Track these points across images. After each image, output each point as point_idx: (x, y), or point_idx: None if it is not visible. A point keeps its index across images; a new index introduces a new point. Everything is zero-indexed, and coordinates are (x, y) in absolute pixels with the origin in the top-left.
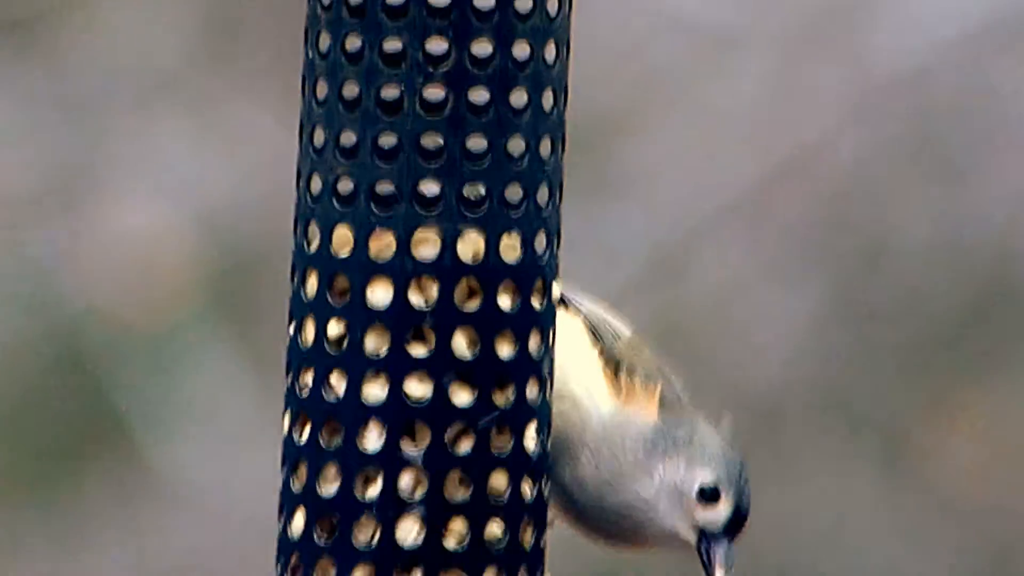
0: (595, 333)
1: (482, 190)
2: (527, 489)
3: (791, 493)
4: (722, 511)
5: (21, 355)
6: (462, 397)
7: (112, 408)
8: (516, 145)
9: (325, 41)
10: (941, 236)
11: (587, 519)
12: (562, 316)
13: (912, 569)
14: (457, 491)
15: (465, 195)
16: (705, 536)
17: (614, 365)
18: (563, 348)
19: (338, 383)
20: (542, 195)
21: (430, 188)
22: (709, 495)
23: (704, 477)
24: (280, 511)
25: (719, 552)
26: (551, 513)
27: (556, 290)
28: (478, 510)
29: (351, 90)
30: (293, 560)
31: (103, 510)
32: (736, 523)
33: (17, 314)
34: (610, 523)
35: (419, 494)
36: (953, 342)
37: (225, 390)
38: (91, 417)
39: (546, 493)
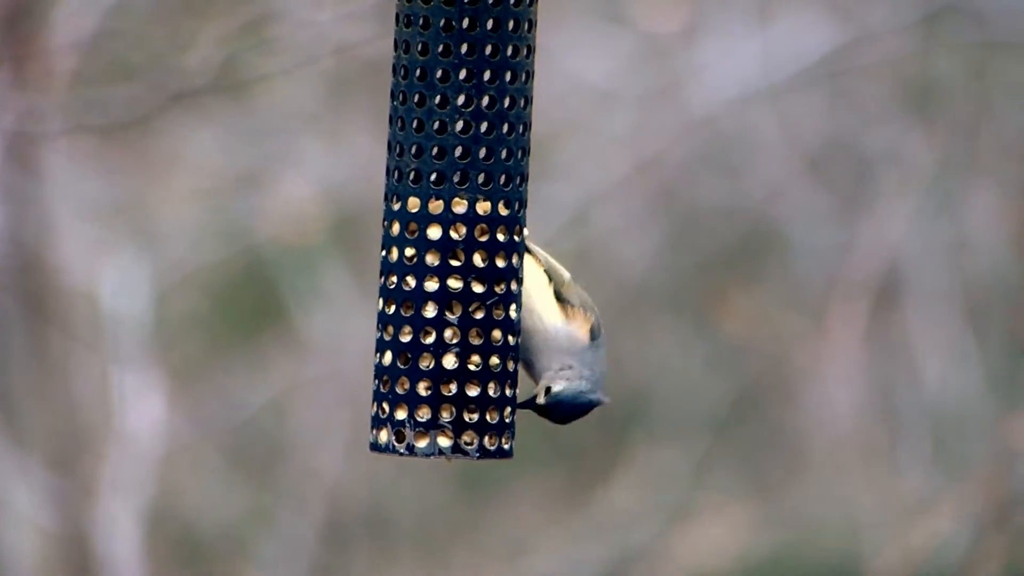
0: (548, 274)
1: (488, 176)
2: (511, 339)
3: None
4: (540, 400)
5: (228, 265)
6: (478, 288)
7: (275, 298)
8: (506, 152)
9: (401, 96)
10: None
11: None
12: (527, 261)
13: None
14: (475, 339)
15: (479, 180)
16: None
17: (561, 297)
18: (529, 283)
19: (411, 281)
20: (519, 181)
21: (461, 175)
22: (547, 392)
23: (556, 387)
24: (376, 351)
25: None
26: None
27: (526, 232)
28: (486, 349)
29: (417, 122)
30: (384, 378)
31: (269, 357)
32: (545, 411)
33: (224, 244)
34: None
35: (455, 340)
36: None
37: (343, 289)
38: (264, 300)
39: (519, 341)
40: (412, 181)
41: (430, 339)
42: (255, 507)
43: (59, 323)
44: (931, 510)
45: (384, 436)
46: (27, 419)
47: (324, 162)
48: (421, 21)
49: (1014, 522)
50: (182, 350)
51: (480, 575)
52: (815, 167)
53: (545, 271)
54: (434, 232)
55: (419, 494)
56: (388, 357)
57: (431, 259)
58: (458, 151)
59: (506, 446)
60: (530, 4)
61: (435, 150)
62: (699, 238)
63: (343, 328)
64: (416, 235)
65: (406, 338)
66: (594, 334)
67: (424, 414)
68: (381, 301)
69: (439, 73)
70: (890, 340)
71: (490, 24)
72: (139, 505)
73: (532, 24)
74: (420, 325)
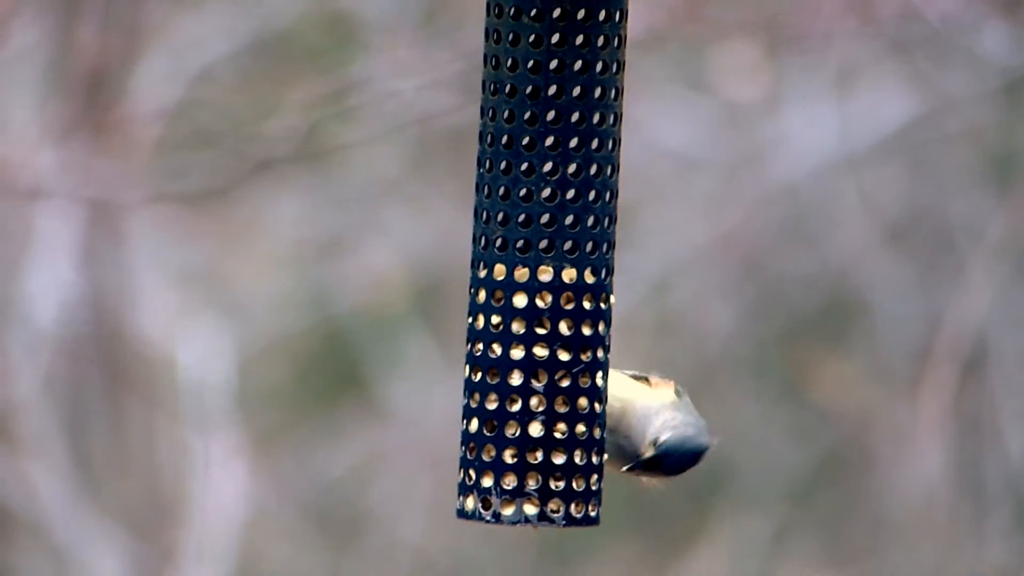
0: (633, 377)
1: (574, 244)
2: (597, 406)
3: None
4: (649, 453)
5: (310, 333)
6: (564, 356)
7: (357, 366)
8: (593, 220)
9: (488, 163)
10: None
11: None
12: (613, 374)
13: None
14: (561, 407)
15: (565, 248)
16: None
17: (643, 379)
18: (617, 384)
19: (497, 348)
20: (606, 248)
21: (547, 243)
22: (654, 444)
23: (663, 437)
24: (463, 418)
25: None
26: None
27: (613, 299)
28: (572, 417)
29: (503, 189)
30: (470, 445)
31: (351, 424)
32: (653, 464)
33: (306, 313)
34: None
35: (541, 408)
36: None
37: (426, 357)
38: (346, 369)
39: (605, 409)
40: (498, 248)
41: (516, 407)
42: (338, 575)
43: (140, 391)
44: None
45: (471, 503)
46: (109, 487)
47: (407, 230)
48: (507, 88)
49: None
50: (264, 418)
51: None
52: (896, 237)
53: (629, 377)
54: (520, 300)
55: (502, 562)
56: (474, 424)
57: (517, 327)
58: (544, 218)
59: (592, 513)
60: (616, 71)
61: (521, 217)
62: (781, 307)
63: (426, 396)
64: (502, 303)
65: (492, 405)
66: (678, 392)
67: (510, 482)
68: (467, 368)
69: (525, 140)
70: (974, 410)
71: (576, 91)
72: (222, 573)
73: (619, 92)
74: (506, 393)
